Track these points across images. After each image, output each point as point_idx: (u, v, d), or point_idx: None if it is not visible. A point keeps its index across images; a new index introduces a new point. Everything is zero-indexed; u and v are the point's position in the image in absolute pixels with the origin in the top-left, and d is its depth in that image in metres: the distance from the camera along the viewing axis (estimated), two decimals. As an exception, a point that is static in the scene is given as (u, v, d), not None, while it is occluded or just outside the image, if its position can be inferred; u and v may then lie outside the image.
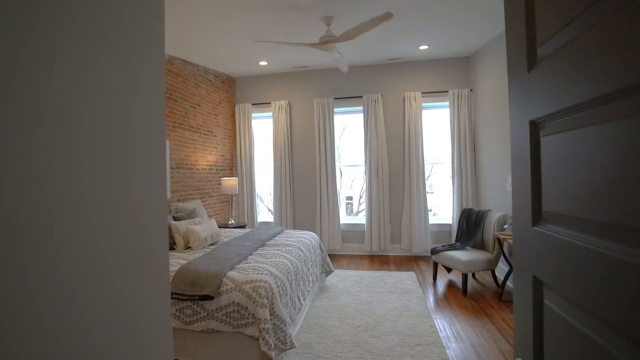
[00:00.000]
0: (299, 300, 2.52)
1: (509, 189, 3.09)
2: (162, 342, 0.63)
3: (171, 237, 2.97)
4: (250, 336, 1.95)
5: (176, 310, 2.07)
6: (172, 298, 2.07)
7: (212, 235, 3.11)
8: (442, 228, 4.83)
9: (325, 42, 2.79)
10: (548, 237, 0.60)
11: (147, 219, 0.59)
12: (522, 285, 0.72)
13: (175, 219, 3.24)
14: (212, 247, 3.00)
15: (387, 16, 2.66)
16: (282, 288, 2.20)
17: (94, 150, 0.48)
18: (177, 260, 2.53)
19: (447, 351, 2.28)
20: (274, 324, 1.99)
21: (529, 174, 0.67)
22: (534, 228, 0.65)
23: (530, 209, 0.67)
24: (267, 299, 1.99)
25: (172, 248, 2.98)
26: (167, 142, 3.76)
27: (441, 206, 6.83)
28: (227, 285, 2.06)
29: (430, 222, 4.82)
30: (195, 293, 2.02)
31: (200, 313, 2.04)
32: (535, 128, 0.65)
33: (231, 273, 2.16)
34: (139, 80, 0.58)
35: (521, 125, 0.69)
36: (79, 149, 0.46)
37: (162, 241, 0.64)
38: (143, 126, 0.58)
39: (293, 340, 2.04)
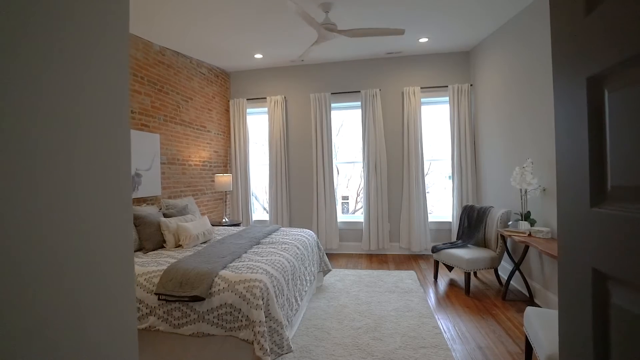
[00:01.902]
0: (296, 300, 2.38)
1: (513, 184, 2.98)
2: (125, 342, 0.54)
3: (160, 235, 2.81)
4: (244, 340, 1.80)
5: (164, 312, 1.92)
6: (159, 299, 1.92)
7: (204, 233, 2.96)
8: (441, 226, 4.73)
9: (330, 29, 2.67)
10: (617, 219, 0.47)
11: (107, 219, 0.51)
12: (573, 281, 0.59)
13: (165, 215, 3.08)
14: (204, 245, 2.85)
15: (399, 32, 2.71)
16: (278, 288, 2.06)
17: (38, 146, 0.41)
18: (165, 259, 2.38)
19: (453, 353, 2.16)
20: (270, 326, 1.85)
21: (587, 142, 0.54)
22: (595, 210, 0.53)
23: (587, 186, 0.54)
24: (263, 299, 1.85)
25: (161, 246, 2.82)
26: (158, 136, 3.59)
27: (437, 206, 6.73)
28: (219, 285, 1.91)
29: (430, 219, 4.71)
30: (184, 294, 1.88)
31: (189, 315, 1.89)
32: (596, 85, 0.52)
33: (223, 272, 2.01)
34: (95, 66, 0.49)
35: (574, 84, 0.57)
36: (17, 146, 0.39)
37: (126, 241, 0.54)
38: (98, 119, 0.50)
39: (290, 343, 1.91)
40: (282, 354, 1.87)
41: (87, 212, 0.46)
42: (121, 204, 0.52)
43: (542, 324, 1.74)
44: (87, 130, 0.47)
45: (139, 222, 2.74)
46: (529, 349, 1.97)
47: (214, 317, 1.85)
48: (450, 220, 4.68)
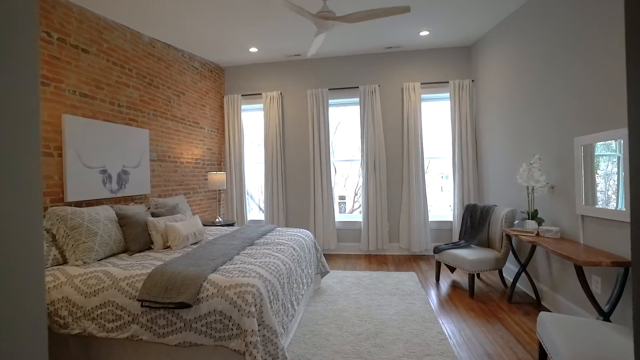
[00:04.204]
0: (293, 306, 2.22)
1: (520, 181, 2.85)
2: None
3: (148, 236, 2.64)
4: (235, 350, 1.65)
5: (147, 320, 1.76)
6: (142, 306, 1.76)
7: (194, 233, 2.79)
8: (442, 225, 4.60)
9: (326, 17, 2.51)
10: None
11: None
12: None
13: (154, 215, 2.91)
14: (195, 246, 2.69)
15: (405, 10, 2.47)
16: (272, 293, 1.91)
17: None
18: (151, 262, 2.21)
19: (460, 362, 2.02)
20: (263, 335, 1.70)
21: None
22: None
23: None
24: (255, 306, 1.69)
25: (149, 247, 2.65)
26: (147, 131, 3.42)
27: (433, 206, 6.60)
28: (207, 290, 1.75)
29: (430, 219, 4.57)
30: (170, 300, 1.71)
31: (176, 323, 1.73)
32: None
33: (213, 276, 1.85)
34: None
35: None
36: None
37: (35, 261, 0.40)
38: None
39: (285, 353, 1.75)
40: (277, 365, 1.72)
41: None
42: (25, 207, 0.37)
43: (560, 331, 1.60)
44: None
45: (124, 221, 2.57)
46: (542, 357, 1.84)
47: (202, 326, 1.69)
48: (451, 219, 4.55)
